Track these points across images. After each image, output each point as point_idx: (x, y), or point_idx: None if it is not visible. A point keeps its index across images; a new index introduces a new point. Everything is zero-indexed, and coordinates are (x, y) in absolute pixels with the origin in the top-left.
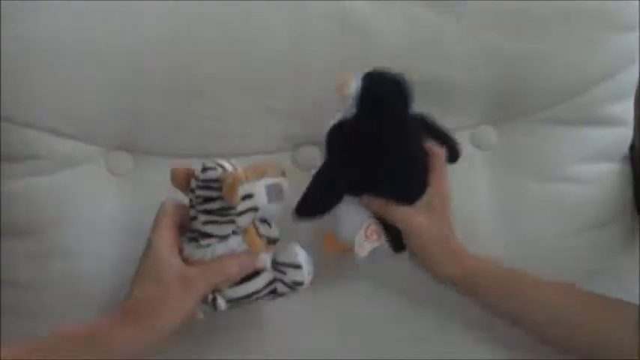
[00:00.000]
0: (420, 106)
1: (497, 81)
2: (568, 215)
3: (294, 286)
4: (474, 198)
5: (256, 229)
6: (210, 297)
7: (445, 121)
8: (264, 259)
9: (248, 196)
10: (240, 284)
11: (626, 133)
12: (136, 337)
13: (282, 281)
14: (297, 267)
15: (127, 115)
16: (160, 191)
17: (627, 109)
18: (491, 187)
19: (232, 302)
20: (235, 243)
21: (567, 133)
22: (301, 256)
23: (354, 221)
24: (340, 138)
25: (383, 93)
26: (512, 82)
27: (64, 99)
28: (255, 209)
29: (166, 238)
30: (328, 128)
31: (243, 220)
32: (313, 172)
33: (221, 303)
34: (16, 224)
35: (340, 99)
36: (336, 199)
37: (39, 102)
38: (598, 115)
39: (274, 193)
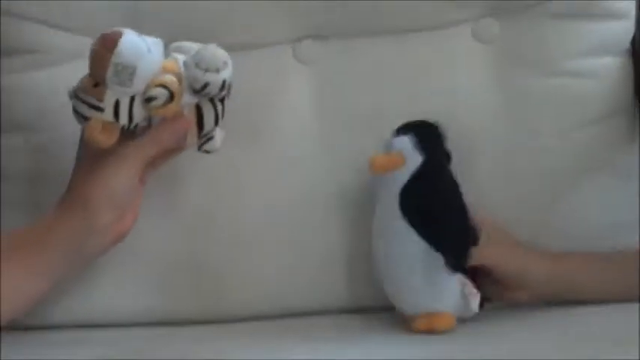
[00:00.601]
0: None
1: None
2: (570, 109)
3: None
4: (477, 92)
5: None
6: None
7: (446, 15)
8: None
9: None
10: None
11: (629, 27)
12: (76, 227)
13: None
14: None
15: (125, 7)
16: None
17: (629, 2)
18: (494, 82)
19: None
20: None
21: (570, 27)
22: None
23: (449, 287)
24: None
25: (438, 130)
26: None
27: None
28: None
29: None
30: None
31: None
32: (312, 66)
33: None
34: (17, 119)
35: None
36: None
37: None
38: (600, 9)
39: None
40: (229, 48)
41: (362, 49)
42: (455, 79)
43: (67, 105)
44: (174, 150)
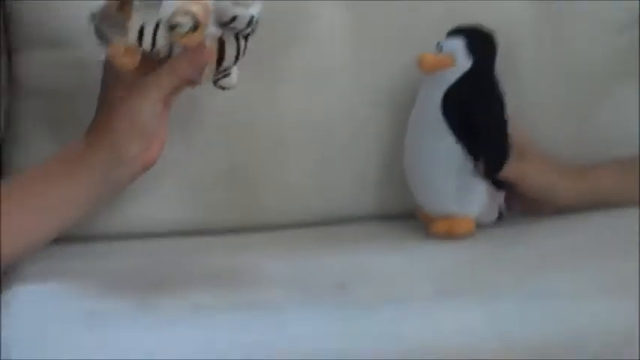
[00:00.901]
0: None
1: None
2: (606, 15)
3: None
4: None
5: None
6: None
7: None
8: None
9: None
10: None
11: None
12: (105, 159)
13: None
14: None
15: None
16: None
17: None
18: None
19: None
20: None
21: None
22: None
23: (475, 192)
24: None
25: (492, 38)
26: None
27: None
28: None
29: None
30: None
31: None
32: None
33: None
34: (46, 35)
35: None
36: None
37: None
38: None
39: None
40: None
41: None
42: None
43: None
44: (191, 81)
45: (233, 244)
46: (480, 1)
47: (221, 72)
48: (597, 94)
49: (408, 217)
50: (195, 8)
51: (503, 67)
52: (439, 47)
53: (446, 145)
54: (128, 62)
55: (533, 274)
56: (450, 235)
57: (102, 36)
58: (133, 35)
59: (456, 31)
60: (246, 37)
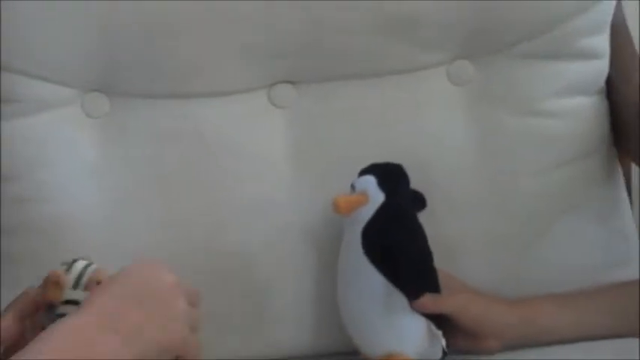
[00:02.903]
0: (394, 43)
1: (470, 15)
2: (547, 149)
3: None
4: (453, 134)
5: None
6: None
7: (420, 57)
8: None
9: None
10: None
11: (602, 66)
12: None
13: None
14: None
15: (101, 56)
16: (138, 133)
17: (603, 42)
18: (470, 123)
19: None
20: None
21: (544, 68)
22: None
23: (412, 328)
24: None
25: (401, 170)
26: (485, 17)
27: (37, 41)
28: None
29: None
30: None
31: None
32: (287, 110)
33: None
34: None
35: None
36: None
37: (11, 44)
38: (574, 49)
39: None
40: (205, 94)
41: (336, 92)
42: (430, 121)
43: (41, 154)
44: None
45: None
46: (420, 134)
47: None
48: (537, 230)
49: (347, 355)
50: None
51: (440, 201)
52: (352, 188)
53: (374, 283)
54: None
55: None
56: None
57: None
58: None
59: (366, 170)
60: None
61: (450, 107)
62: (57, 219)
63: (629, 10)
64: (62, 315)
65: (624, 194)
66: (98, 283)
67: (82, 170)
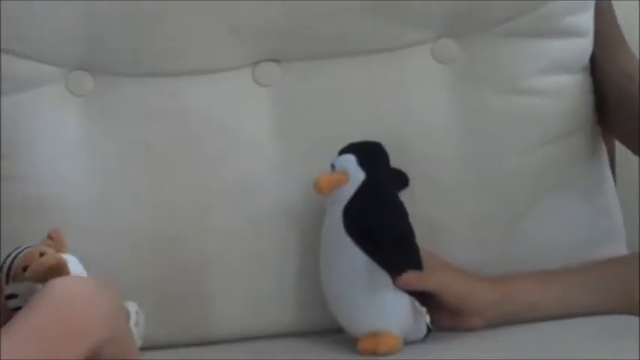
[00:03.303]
0: (378, 21)
1: None
2: (531, 127)
3: None
4: (438, 113)
5: None
6: None
7: (405, 36)
8: None
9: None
10: None
11: (586, 44)
12: None
13: None
14: None
15: (86, 34)
16: (123, 112)
17: (587, 20)
18: (454, 102)
19: None
20: None
21: (527, 46)
22: None
23: (394, 306)
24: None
25: (381, 148)
26: None
27: (21, 19)
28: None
29: None
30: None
31: None
32: (271, 88)
33: None
34: None
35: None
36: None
37: None
38: (558, 27)
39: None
40: (189, 73)
41: (321, 71)
42: (414, 99)
43: (24, 133)
44: None
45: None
46: (404, 112)
47: None
48: (521, 208)
49: (332, 332)
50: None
51: (423, 180)
52: (332, 167)
53: (356, 262)
54: None
55: None
56: (375, 353)
57: None
58: None
59: (345, 149)
60: None
61: (434, 86)
62: (42, 198)
63: (629, 10)
64: (17, 309)
65: (608, 172)
66: (24, 269)
67: (66, 149)
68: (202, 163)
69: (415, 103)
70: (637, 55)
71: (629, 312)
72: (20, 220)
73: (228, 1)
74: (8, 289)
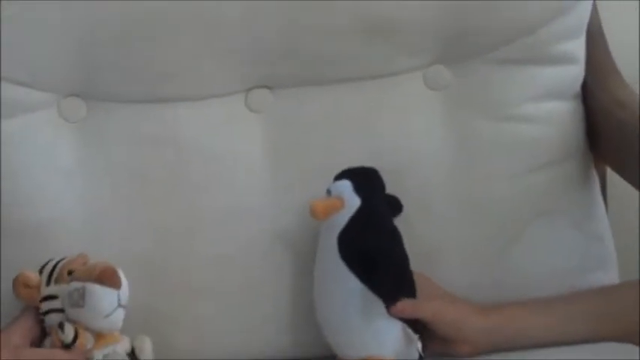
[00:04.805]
0: (371, 48)
1: (447, 20)
2: (523, 154)
3: None
4: (430, 139)
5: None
6: None
7: (397, 62)
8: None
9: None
10: None
11: (578, 71)
12: None
13: None
14: None
15: (78, 60)
16: (116, 138)
17: (578, 46)
18: (446, 128)
19: None
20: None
21: (519, 73)
22: None
23: (388, 332)
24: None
25: (376, 175)
26: (462, 22)
27: (14, 45)
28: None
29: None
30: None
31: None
32: (264, 115)
33: None
34: None
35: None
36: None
37: None
38: (549, 54)
39: (76, 297)
40: (182, 98)
41: (313, 97)
42: (406, 125)
43: (17, 158)
44: None
45: None
46: (396, 138)
47: None
48: (513, 234)
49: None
50: None
51: (416, 206)
52: (328, 192)
53: (351, 287)
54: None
55: None
56: None
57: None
58: None
59: (341, 175)
60: None
61: (426, 112)
62: (35, 224)
63: (629, 11)
64: (46, 312)
65: (600, 198)
66: (69, 273)
67: (59, 175)
68: (195, 188)
69: (407, 129)
70: (636, 62)
71: (626, 340)
72: (14, 245)
73: (221, 27)
74: (48, 291)
